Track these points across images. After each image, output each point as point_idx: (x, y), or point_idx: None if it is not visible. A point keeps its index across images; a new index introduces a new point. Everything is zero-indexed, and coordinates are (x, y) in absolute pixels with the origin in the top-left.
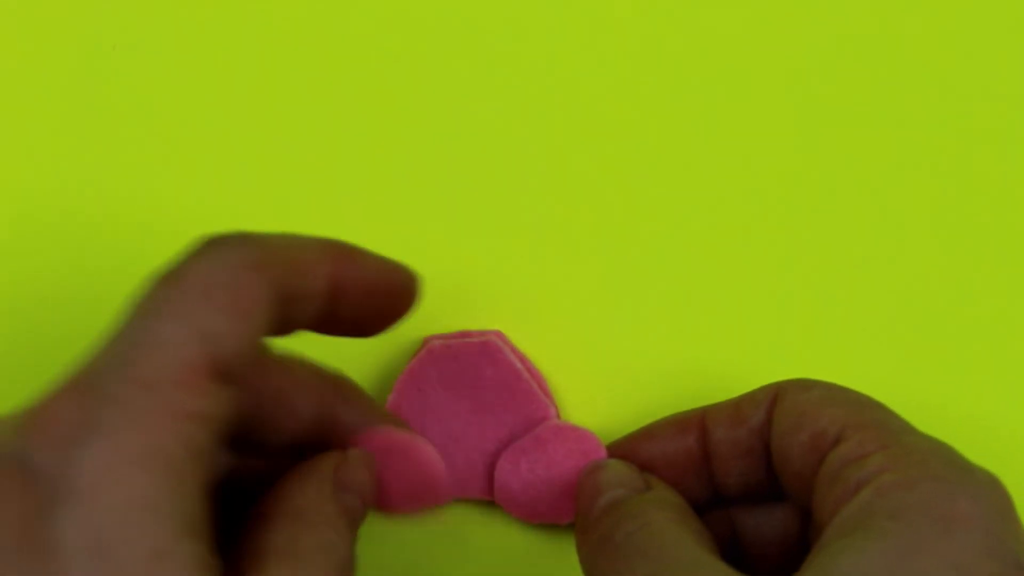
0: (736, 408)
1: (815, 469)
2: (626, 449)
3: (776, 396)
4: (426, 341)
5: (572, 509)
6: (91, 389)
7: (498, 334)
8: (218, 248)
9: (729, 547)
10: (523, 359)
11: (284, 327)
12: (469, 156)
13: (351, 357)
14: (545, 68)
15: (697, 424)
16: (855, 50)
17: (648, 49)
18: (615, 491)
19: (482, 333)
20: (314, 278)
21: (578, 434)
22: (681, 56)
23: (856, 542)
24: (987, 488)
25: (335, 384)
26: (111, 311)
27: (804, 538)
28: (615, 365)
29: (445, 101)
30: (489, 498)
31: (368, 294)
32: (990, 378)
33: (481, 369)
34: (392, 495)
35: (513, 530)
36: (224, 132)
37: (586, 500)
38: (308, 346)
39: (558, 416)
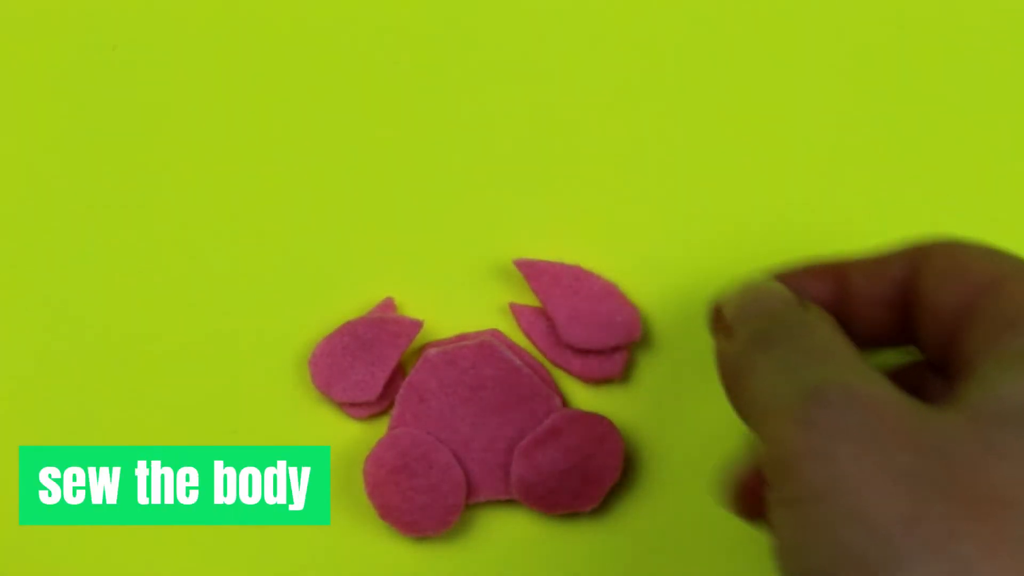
0: (879, 261)
1: (965, 315)
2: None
3: (926, 250)
4: (424, 349)
5: (592, 495)
6: None
7: (495, 333)
8: None
9: None
10: (522, 354)
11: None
12: (458, 156)
13: None
14: (532, 69)
15: (834, 273)
16: (851, 52)
17: (630, 44)
18: (774, 303)
19: (479, 334)
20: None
21: (591, 419)
22: (666, 49)
23: (1017, 370)
24: None
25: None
26: (109, 308)
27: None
28: None
29: (435, 104)
30: (505, 497)
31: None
32: None
33: (480, 371)
34: None
35: (533, 524)
36: (223, 131)
37: (745, 309)
38: (301, 346)
39: (564, 405)
